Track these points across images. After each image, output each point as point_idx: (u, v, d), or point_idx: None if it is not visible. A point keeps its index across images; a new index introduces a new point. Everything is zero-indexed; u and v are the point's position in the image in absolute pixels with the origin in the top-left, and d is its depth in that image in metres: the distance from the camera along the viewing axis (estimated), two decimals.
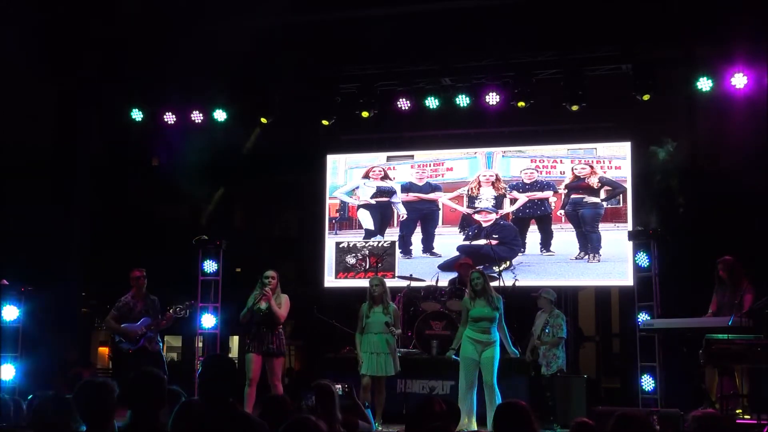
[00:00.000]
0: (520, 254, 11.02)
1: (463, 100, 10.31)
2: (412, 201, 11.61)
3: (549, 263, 10.93)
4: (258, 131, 11.63)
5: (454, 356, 8.25)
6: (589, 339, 12.50)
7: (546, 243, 10.98)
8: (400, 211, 11.62)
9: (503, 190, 11.23)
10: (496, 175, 11.27)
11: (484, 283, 8.08)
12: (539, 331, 8.98)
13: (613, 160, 10.92)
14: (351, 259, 11.71)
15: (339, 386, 5.31)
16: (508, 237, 11.13)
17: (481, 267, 10.68)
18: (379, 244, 11.60)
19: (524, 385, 8.89)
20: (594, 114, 10.70)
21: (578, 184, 10.98)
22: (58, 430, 3.96)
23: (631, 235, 9.91)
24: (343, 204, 11.87)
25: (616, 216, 10.77)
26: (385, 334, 8.25)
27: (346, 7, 10.02)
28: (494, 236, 11.08)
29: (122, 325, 8.72)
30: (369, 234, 11.69)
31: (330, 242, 11.79)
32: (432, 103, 10.39)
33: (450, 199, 11.46)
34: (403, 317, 9.74)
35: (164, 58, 10.55)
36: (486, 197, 11.29)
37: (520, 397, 7.92)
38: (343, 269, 11.70)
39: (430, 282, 10.41)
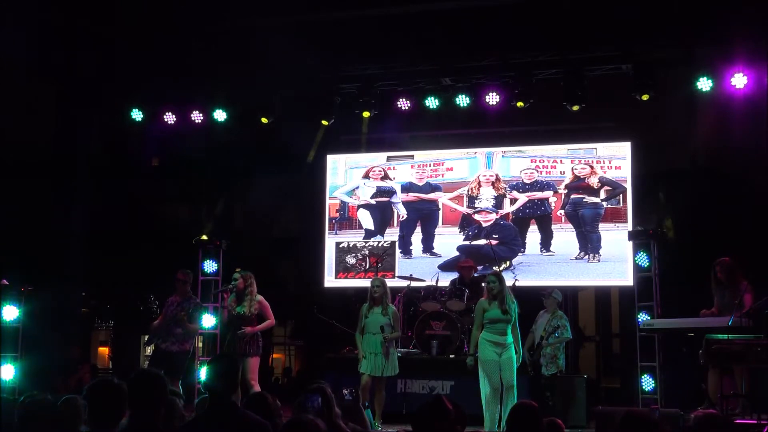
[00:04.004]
0: (520, 254, 11.01)
1: (463, 100, 10.31)
2: (412, 201, 11.61)
3: (549, 263, 10.92)
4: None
5: (471, 363, 8.11)
6: (589, 339, 12.50)
7: (546, 243, 10.98)
8: (400, 211, 11.62)
9: (503, 190, 11.23)
10: (496, 175, 11.27)
11: (500, 286, 8.05)
12: (541, 331, 8.99)
13: (613, 160, 10.91)
14: (351, 259, 11.70)
15: (346, 390, 5.34)
16: (508, 237, 11.12)
17: (481, 267, 10.76)
18: (379, 244, 11.60)
19: (524, 384, 8.87)
20: (594, 114, 10.71)
21: (578, 184, 10.97)
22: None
23: (631, 235, 9.92)
24: (343, 204, 11.87)
25: (616, 216, 10.76)
26: (379, 334, 8.26)
27: (346, 7, 10.02)
28: (494, 236, 11.07)
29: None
30: (369, 234, 11.69)
31: (330, 242, 11.78)
32: (432, 103, 10.38)
33: (450, 199, 11.45)
34: (403, 317, 9.75)
35: (164, 58, 10.55)
36: (486, 197, 11.29)
37: (519, 396, 7.96)
38: (343, 269, 11.70)
39: (430, 282, 10.39)
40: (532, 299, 9.38)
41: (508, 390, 7.88)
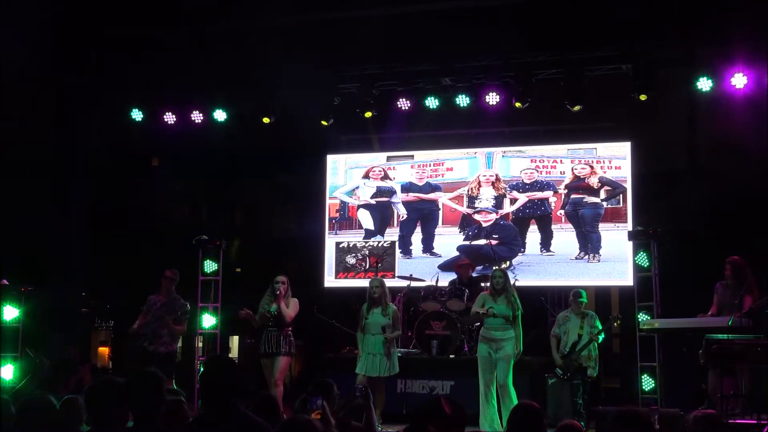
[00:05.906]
0: (520, 254, 11.01)
1: (463, 100, 10.30)
2: (412, 201, 11.61)
3: (549, 263, 10.92)
4: None
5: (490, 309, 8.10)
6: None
7: (546, 243, 10.97)
8: (400, 211, 11.62)
9: (503, 190, 11.22)
10: (496, 175, 11.26)
11: (505, 282, 8.10)
12: (578, 330, 8.52)
13: (613, 160, 10.91)
14: (351, 259, 11.70)
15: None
16: (508, 237, 11.12)
17: (481, 267, 10.76)
18: (379, 244, 11.60)
19: (525, 385, 8.76)
20: (594, 114, 10.70)
21: (578, 184, 10.97)
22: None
23: (631, 235, 9.91)
24: (343, 204, 11.86)
25: (616, 216, 10.76)
26: (380, 335, 8.26)
27: (347, 7, 10.02)
28: (494, 236, 11.07)
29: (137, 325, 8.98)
30: (369, 234, 11.69)
31: (330, 242, 11.78)
32: (432, 103, 10.37)
33: (450, 199, 11.45)
34: (403, 317, 9.75)
35: (164, 58, 10.54)
36: (486, 197, 11.28)
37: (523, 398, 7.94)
38: (343, 269, 11.70)
39: (430, 282, 10.40)
40: (533, 299, 9.37)
41: (503, 389, 7.90)
